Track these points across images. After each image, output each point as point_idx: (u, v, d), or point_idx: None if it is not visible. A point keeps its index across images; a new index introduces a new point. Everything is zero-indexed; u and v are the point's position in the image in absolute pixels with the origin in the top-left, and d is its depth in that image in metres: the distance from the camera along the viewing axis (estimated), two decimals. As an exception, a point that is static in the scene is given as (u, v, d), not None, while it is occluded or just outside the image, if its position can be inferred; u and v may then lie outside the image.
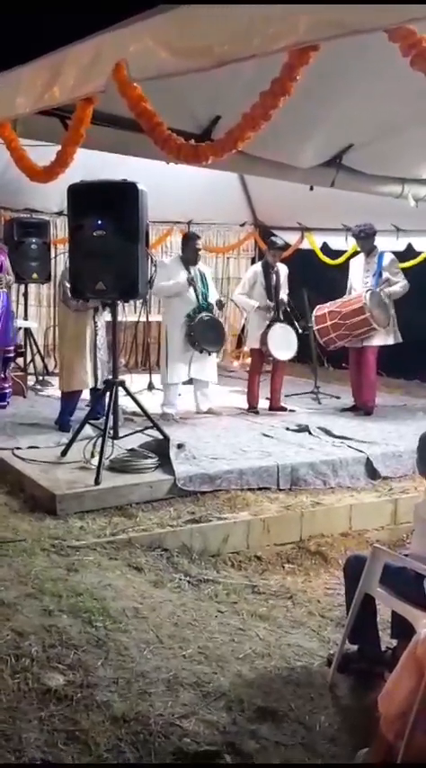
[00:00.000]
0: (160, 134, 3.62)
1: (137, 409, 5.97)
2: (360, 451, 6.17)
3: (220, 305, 7.56)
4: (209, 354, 7.44)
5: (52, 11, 7.69)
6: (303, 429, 6.88)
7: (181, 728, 2.88)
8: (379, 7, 2.60)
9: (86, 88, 3.78)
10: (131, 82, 3.49)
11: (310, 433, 6.75)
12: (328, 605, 4.32)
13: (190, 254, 7.48)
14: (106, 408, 5.61)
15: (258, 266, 8.12)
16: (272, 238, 8.31)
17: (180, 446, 5.75)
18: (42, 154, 4.55)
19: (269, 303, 7.75)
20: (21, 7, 7.96)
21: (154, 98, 3.63)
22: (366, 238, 7.73)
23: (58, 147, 4.33)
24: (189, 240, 7.63)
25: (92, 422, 5.85)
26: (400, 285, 7.64)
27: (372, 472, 6.03)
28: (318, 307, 7.97)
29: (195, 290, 7.33)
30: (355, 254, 8.44)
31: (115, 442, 5.58)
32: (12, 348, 7.62)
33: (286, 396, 8.22)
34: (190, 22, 3.25)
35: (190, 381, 7.56)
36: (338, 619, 4.05)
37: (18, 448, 5.94)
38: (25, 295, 9.35)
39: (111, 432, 5.59)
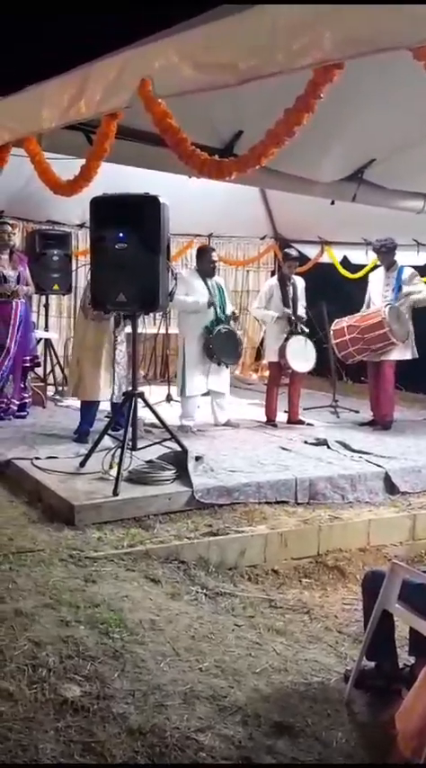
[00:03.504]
0: (184, 150, 3.67)
1: (156, 421, 5.99)
2: (379, 466, 6.15)
3: (234, 317, 7.57)
4: (227, 367, 7.45)
5: (78, 26, 7.80)
6: (321, 443, 6.86)
7: (197, 742, 2.86)
8: (404, 25, 2.62)
9: (112, 104, 3.83)
10: (156, 98, 3.53)
11: (328, 447, 6.73)
12: (345, 621, 4.30)
13: (206, 267, 7.49)
14: (125, 420, 5.64)
15: (274, 280, 8.13)
16: (286, 250, 8.31)
17: (198, 458, 5.76)
18: (65, 166, 4.60)
19: (287, 311, 7.75)
20: (47, 23, 8.08)
21: (177, 113, 3.67)
22: (387, 253, 7.73)
23: (81, 161, 4.39)
24: (204, 253, 7.65)
25: (110, 433, 5.88)
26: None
27: (391, 487, 6.00)
28: (337, 321, 7.96)
29: (214, 304, 7.35)
30: (374, 267, 8.44)
31: (133, 453, 5.59)
32: (29, 358, 7.68)
33: (304, 409, 8.20)
34: (215, 38, 3.29)
35: (207, 393, 7.57)
36: (355, 634, 4.03)
37: (37, 458, 5.95)
38: (46, 306, 9.42)
39: (130, 443, 5.60)
